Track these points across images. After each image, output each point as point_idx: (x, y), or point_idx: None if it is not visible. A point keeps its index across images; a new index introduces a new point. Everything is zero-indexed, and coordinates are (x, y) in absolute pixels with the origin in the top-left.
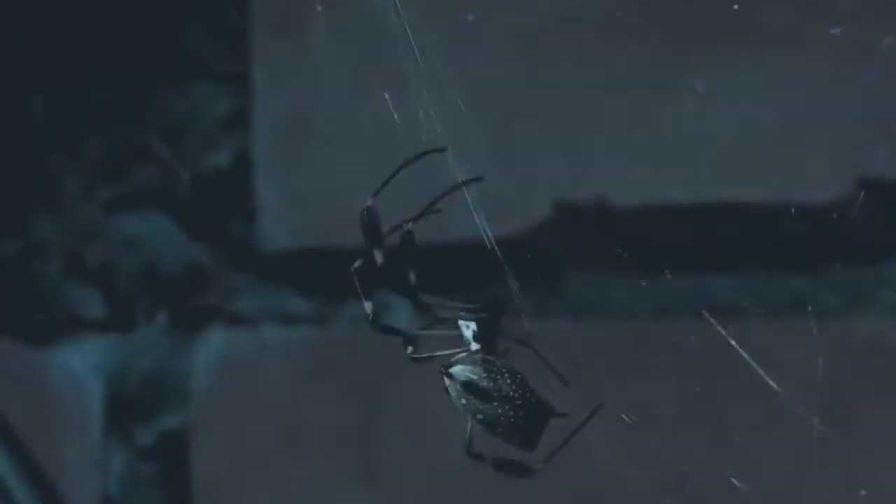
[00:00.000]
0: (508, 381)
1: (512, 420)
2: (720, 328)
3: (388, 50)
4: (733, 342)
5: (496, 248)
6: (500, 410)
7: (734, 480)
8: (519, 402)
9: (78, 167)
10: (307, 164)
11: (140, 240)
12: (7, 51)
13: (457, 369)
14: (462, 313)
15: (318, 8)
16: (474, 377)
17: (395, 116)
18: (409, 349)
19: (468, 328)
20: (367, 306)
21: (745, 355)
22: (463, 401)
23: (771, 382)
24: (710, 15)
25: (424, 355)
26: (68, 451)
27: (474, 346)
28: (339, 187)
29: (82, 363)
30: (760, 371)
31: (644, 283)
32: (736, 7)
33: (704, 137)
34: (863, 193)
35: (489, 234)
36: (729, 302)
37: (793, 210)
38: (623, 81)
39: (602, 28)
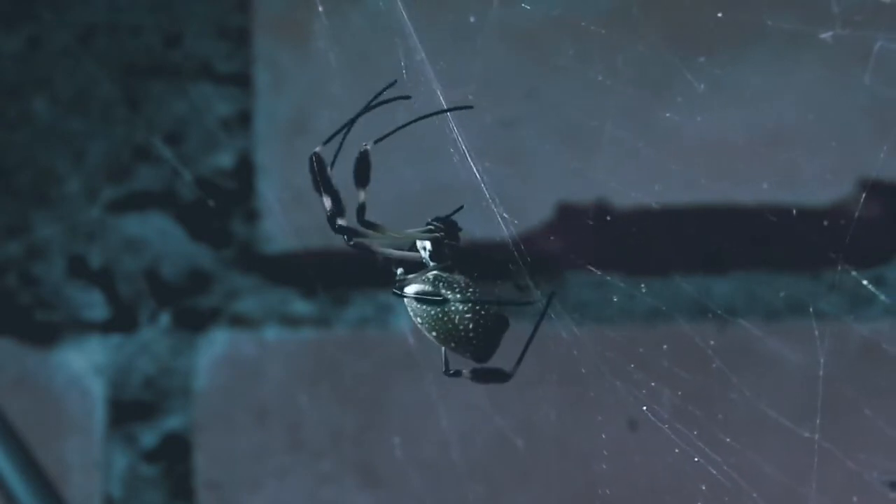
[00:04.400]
0: (459, 295)
1: (463, 333)
2: (720, 329)
3: (390, 51)
4: (733, 344)
5: (518, 246)
6: (450, 325)
7: (735, 482)
8: (469, 315)
9: (80, 168)
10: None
11: (142, 241)
12: (8, 51)
13: (409, 288)
14: (419, 235)
15: (320, 9)
16: (425, 294)
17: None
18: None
19: (425, 250)
20: (327, 202)
21: (746, 356)
22: (418, 319)
23: (772, 385)
24: (709, 18)
25: (398, 292)
26: (70, 452)
27: (431, 265)
28: (342, 189)
29: (85, 364)
30: (760, 373)
31: (644, 284)
32: (720, 15)
33: (705, 139)
34: (864, 195)
35: (512, 233)
36: (729, 303)
37: (794, 212)
38: (624, 82)
39: (604, 29)
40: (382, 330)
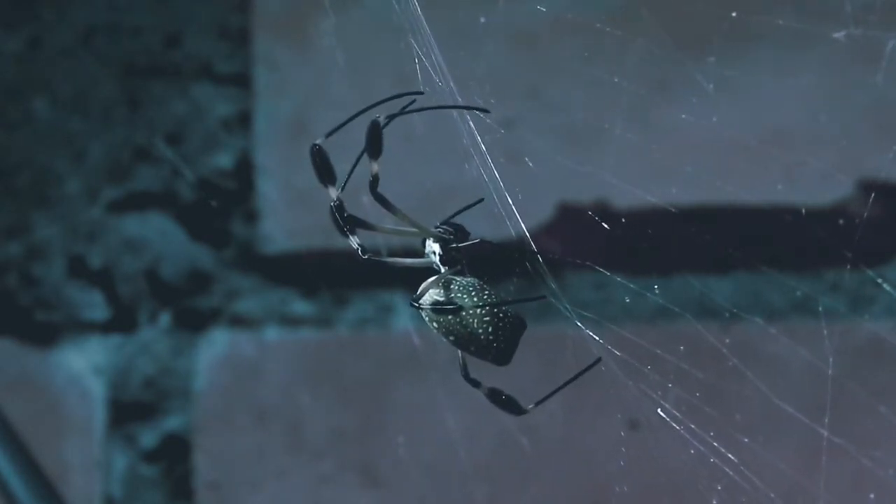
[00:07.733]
0: (475, 298)
1: (483, 336)
2: (722, 329)
3: (391, 50)
4: (737, 343)
5: (528, 244)
6: (468, 329)
7: (750, 481)
8: (487, 318)
9: (80, 168)
10: (309, 166)
11: (142, 241)
12: (8, 51)
13: (425, 297)
14: (429, 240)
15: (321, 9)
16: (440, 299)
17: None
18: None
19: (434, 254)
20: (332, 192)
21: (748, 356)
22: (434, 324)
23: (775, 384)
24: (715, 17)
25: (416, 304)
26: (70, 453)
27: (443, 270)
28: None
29: (84, 364)
30: (764, 372)
31: (645, 284)
32: (734, 14)
33: (708, 138)
34: (873, 195)
35: (525, 230)
36: (731, 303)
37: (803, 211)
38: (626, 82)
39: (606, 29)
40: (383, 330)
